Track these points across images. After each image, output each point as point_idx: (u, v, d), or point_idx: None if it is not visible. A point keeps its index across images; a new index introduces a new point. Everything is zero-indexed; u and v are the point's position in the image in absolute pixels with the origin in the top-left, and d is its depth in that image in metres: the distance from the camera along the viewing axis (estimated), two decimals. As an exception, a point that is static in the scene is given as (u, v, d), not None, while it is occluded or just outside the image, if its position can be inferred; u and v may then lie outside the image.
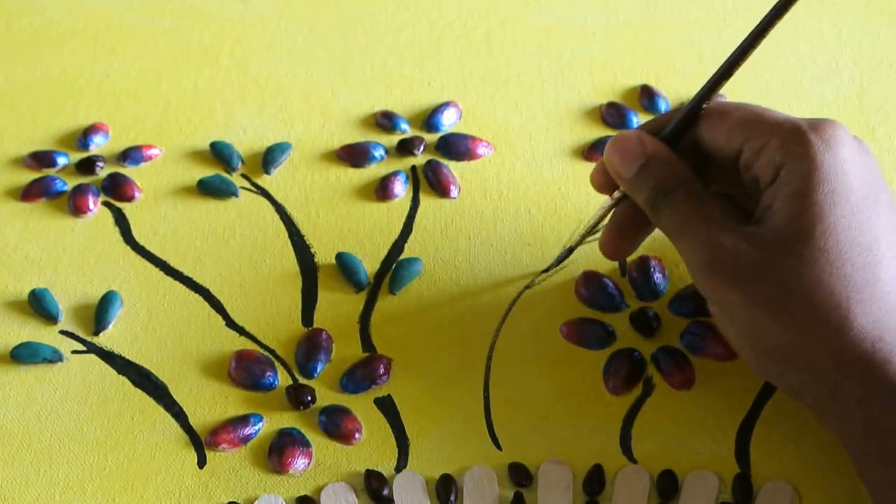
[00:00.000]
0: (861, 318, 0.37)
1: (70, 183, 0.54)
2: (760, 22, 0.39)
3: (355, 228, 0.52)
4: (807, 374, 0.39)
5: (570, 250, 0.48)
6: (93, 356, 0.47)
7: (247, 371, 0.46)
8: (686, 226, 0.40)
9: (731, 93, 0.53)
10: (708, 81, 0.41)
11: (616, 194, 0.44)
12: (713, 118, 0.42)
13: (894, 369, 0.37)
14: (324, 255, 0.51)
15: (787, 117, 0.41)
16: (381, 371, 0.46)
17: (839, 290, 0.37)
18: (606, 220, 0.45)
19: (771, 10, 0.39)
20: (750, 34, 0.40)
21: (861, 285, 0.38)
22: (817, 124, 0.40)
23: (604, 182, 0.45)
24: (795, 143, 0.39)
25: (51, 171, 0.54)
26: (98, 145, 0.56)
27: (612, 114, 0.56)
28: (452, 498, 0.42)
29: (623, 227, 0.45)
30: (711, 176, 0.43)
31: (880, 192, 0.39)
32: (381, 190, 0.53)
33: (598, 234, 0.46)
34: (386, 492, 0.43)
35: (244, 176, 0.54)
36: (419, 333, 0.48)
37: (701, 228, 0.40)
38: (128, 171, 0.54)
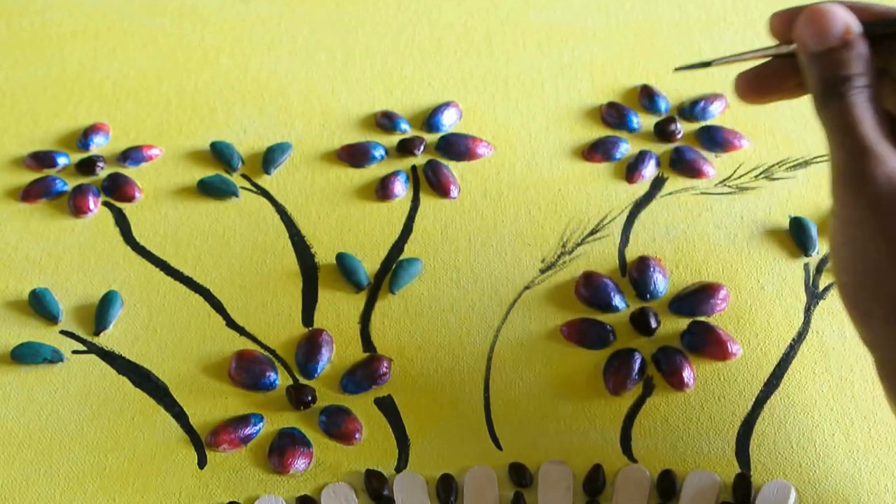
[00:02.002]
0: None
1: (70, 183, 0.54)
2: None
3: (355, 228, 0.52)
4: None
5: (707, 64, 0.41)
6: (93, 356, 0.47)
7: (247, 371, 0.46)
8: (849, 127, 0.36)
9: (729, 92, 0.53)
10: None
11: (786, 49, 0.40)
12: None
13: None
14: (324, 255, 0.51)
15: None
16: (382, 371, 0.46)
17: None
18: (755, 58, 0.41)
19: None
20: None
21: None
22: None
23: (783, 30, 0.40)
24: None
25: (51, 172, 0.54)
26: (98, 145, 0.56)
27: (612, 114, 0.56)
28: (452, 498, 0.42)
29: (767, 77, 0.41)
30: (885, 96, 0.38)
31: None
32: (381, 190, 0.53)
33: (597, 235, 0.45)
34: (386, 492, 0.43)
35: (244, 176, 0.54)
36: (419, 333, 0.48)
37: (863, 136, 0.36)
38: (128, 171, 0.54)
